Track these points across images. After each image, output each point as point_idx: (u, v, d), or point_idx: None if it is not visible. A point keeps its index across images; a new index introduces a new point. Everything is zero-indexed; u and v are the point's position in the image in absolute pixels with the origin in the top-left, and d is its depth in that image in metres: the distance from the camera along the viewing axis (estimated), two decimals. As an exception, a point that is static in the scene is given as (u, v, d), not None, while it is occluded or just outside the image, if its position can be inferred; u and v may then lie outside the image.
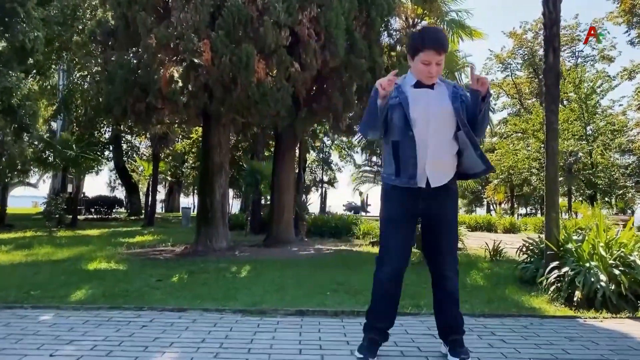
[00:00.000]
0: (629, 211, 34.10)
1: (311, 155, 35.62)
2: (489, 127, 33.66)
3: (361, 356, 2.85)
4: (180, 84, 8.63)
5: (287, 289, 5.28)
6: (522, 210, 44.77)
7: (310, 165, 38.57)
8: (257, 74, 7.90)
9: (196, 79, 8.16)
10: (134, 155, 28.58)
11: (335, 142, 33.78)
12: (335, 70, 9.33)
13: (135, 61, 9.09)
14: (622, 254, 4.83)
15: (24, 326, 3.52)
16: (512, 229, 21.70)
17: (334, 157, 38.97)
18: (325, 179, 41.00)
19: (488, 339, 3.35)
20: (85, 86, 19.85)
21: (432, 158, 2.72)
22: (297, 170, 13.86)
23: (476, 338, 3.37)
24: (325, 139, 29.87)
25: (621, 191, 32.11)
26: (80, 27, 16.59)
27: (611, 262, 4.75)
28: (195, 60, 8.24)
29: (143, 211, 24.44)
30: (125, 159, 27.12)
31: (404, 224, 2.83)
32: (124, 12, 8.26)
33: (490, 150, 37.17)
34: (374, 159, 28.08)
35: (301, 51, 8.52)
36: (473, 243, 11.61)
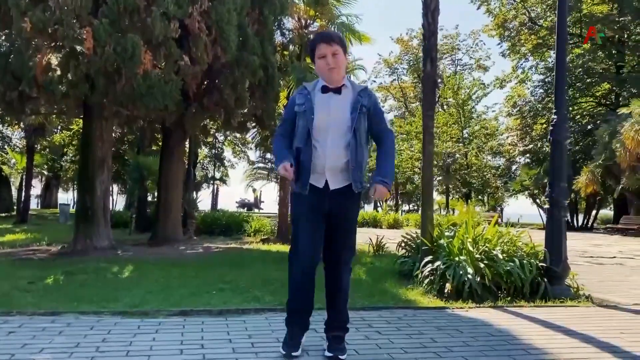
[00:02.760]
0: (499, 209, 37.22)
1: (203, 151, 34.86)
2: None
3: (284, 352, 2.92)
4: (58, 72, 8.08)
5: (172, 288, 5.17)
6: (406, 207, 47.17)
7: (201, 162, 37.71)
8: (143, 66, 7.61)
9: (76, 68, 7.68)
10: (5, 146, 26.19)
11: (229, 138, 33.35)
12: (227, 65, 9.25)
13: (7, 46, 8.37)
14: (486, 248, 5.30)
15: None
16: (395, 225, 22.84)
17: (227, 153, 38.48)
18: (218, 175, 40.33)
19: (365, 331, 3.54)
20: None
21: (330, 164, 2.88)
22: (186, 167, 13.54)
23: (354, 330, 3.53)
24: (218, 134, 29.39)
25: (492, 190, 35.03)
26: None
27: (477, 256, 5.20)
28: (77, 48, 7.77)
29: (15, 207, 22.48)
30: (-6, 150, 24.79)
31: (311, 222, 2.94)
32: (-7, -9, 7.57)
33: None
34: (268, 155, 28.14)
35: (191, 45, 8.35)
36: (359, 238, 12.03)
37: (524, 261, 5.16)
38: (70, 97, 8.04)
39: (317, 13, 12.01)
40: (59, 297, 4.62)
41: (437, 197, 41.09)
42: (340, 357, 2.90)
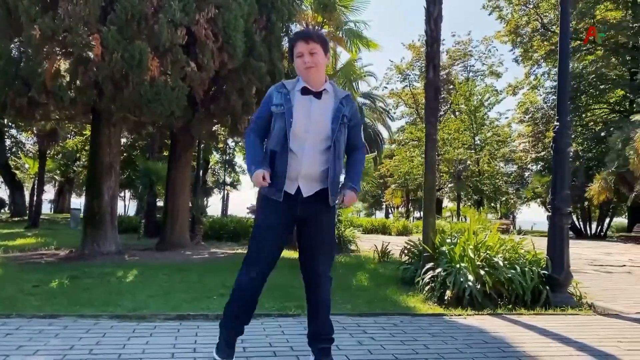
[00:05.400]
0: (511, 216, 36.96)
1: (214, 157, 35.09)
2: (387, 133, 34.97)
3: (218, 358, 2.84)
4: (67, 78, 8.20)
5: (174, 293, 5.21)
6: (417, 214, 47.00)
7: (213, 167, 37.96)
8: (150, 72, 7.69)
9: (85, 75, 7.79)
10: (19, 152, 26.56)
11: (240, 143, 33.53)
12: (234, 72, 9.30)
13: (17, 52, 8.51)
14: (487, 255, 5.27)
15: None
16: (405, 232, 22.73)
17: (238, 159, 38.68)
18: (229, 180, 40.54)
19: (359, 337, 3.54)
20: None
21: (306, 171, 2.76)
22: (195, 172, 13.63)
23: (348, 336, 3.55)
24: (229, 140, 29.57)
25: (504, 197, 34.78)
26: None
27: (478, 263, 5.17)
28: (86, 54, 7.88)
29: (27, 212, 22.78)
30: (8, 155, 25.12)
31: (274, 229, 2.83)
32: (4, 0, 7.70)
33: (389, 156, 38.78)
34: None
35: (198, 51, 8.41)
36: (366, 245, 12.06)
37: (526, 269, 5.14)
38: (79, 103, 8.14)
39: (325, 19, 12.08)
40: (62, 301, 4.67)
41: (448, 204, 40.98)
42: None
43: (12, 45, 8.72)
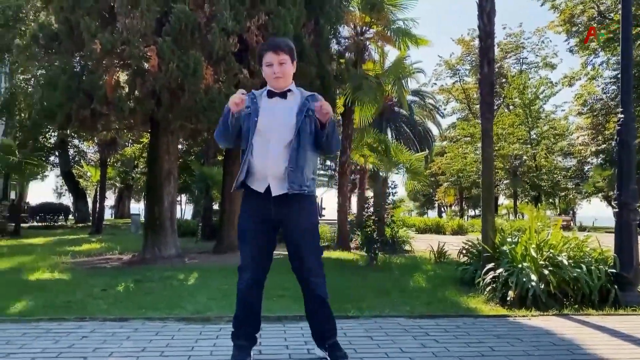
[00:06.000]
0: (571, 212, 35.63)
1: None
2: (437, 131, 34.43)
3: None
4: (126, 90, 8.53)
5: (233, 295, 5.26)
6: (472, 212, 46.05)
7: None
8: (205, 81, 7.91)
9: (143, 85, 8.08)
10: (81, 160, 27.79)
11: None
12: (284, 76, 9.42)
13: (79, 66, 8.92)
14: (551, 254, 5.11)
15: (-43, 341, 3.45)
16: (460, 231, 22.30)
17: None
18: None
19: (421, 339, 3.51)
20: (29, 90, 19.18)
21: (272, 169, 2.84)
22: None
23: (410, 338, 3.52)
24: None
25: (563, 193, 33.55)
26: (23, 28, 16.04)
27: (541, 262, 5.02)
28: (144, 66, 8.17)
29: (91, 218, 23.81)
30: (72, 164, 26.34)
31: (256, 233, 2.91)
32: (67, 17, 8.09)
33: (440, 153, 38.16)
34: (328, 162, 28.34)
35: (250, 58, 8.57)
36: (420, 245, 11.92)
37: (592, 267, 4.96)
38: (138, 112, 8.45)
39: (373, 19, 12.03)
40: (128, 304, 4.86)
41: (504, 201, 39.91)
42: None
43: (75, 60, 9.15)
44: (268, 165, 2.83)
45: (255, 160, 2.85)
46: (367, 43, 12.63)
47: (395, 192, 10.24)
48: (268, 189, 2.85)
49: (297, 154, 2.83)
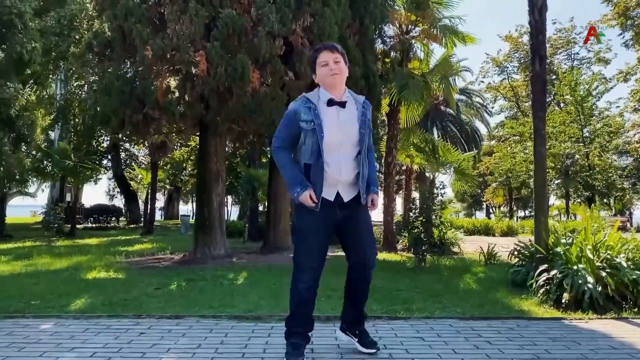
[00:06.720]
0: (627, 213, 34.20)
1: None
2: (486, 129, 33.68)
3: None
4: (176, 94, 8.76)
5: (282, 295, 5.36)
6: (521, 213, 44.86)
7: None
8: (252, 84, 8.03)
9: (192, 90, 8.28)
10: (133, 163, 28.68)
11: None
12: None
13: (132, 72, 9.22)
14: (608, 256, 4.94)
15: (26, 335, 3.63)
16: (509, 232, 21.74)
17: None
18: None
19: (474, 341, 3.46)
20: (83, 95, 19.97)
21: (345, 178, 2.94)
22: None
23: (463, 340, 3.48)
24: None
25: (619, 193, 32.22)
26: (77, 37, 16.71)
27: (598, 264, 4.87)
28: (192, 71, 8.38)
29: (142, 219, 24.53)
30: (123, 167, 27.21)
31: (321, 235, 2.99)
32: (120, 25, 8.38)
33: (488, 153, 37.34)
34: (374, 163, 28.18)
35: (295, 60, 8.64)
36: (469, 247, 11.72)
37: (653, 270, 4.75)
38: (188, 116, 8.67)
39: (419, 17, 11.92)
40: (182, 302, 5.00)
41: (556, 201, 38.67)
42: (379, 349, 3.12)
43: (127, 66, 9.48)
44: (341, 175, 2.94)
45: (327, 173, 2.92)
46: (413, 42, 12.52)
47: (443, 193, 10.09)
48: (337, 196, 2.96)
49: (363, 165, 2.98)
